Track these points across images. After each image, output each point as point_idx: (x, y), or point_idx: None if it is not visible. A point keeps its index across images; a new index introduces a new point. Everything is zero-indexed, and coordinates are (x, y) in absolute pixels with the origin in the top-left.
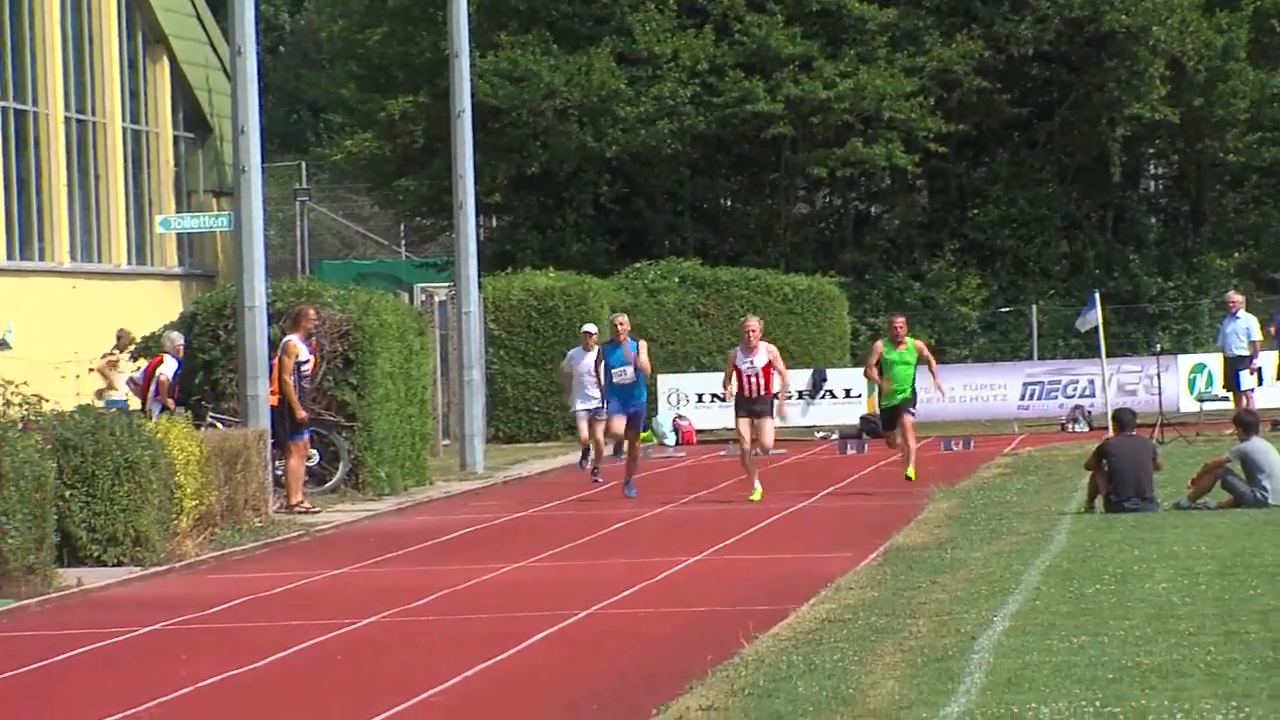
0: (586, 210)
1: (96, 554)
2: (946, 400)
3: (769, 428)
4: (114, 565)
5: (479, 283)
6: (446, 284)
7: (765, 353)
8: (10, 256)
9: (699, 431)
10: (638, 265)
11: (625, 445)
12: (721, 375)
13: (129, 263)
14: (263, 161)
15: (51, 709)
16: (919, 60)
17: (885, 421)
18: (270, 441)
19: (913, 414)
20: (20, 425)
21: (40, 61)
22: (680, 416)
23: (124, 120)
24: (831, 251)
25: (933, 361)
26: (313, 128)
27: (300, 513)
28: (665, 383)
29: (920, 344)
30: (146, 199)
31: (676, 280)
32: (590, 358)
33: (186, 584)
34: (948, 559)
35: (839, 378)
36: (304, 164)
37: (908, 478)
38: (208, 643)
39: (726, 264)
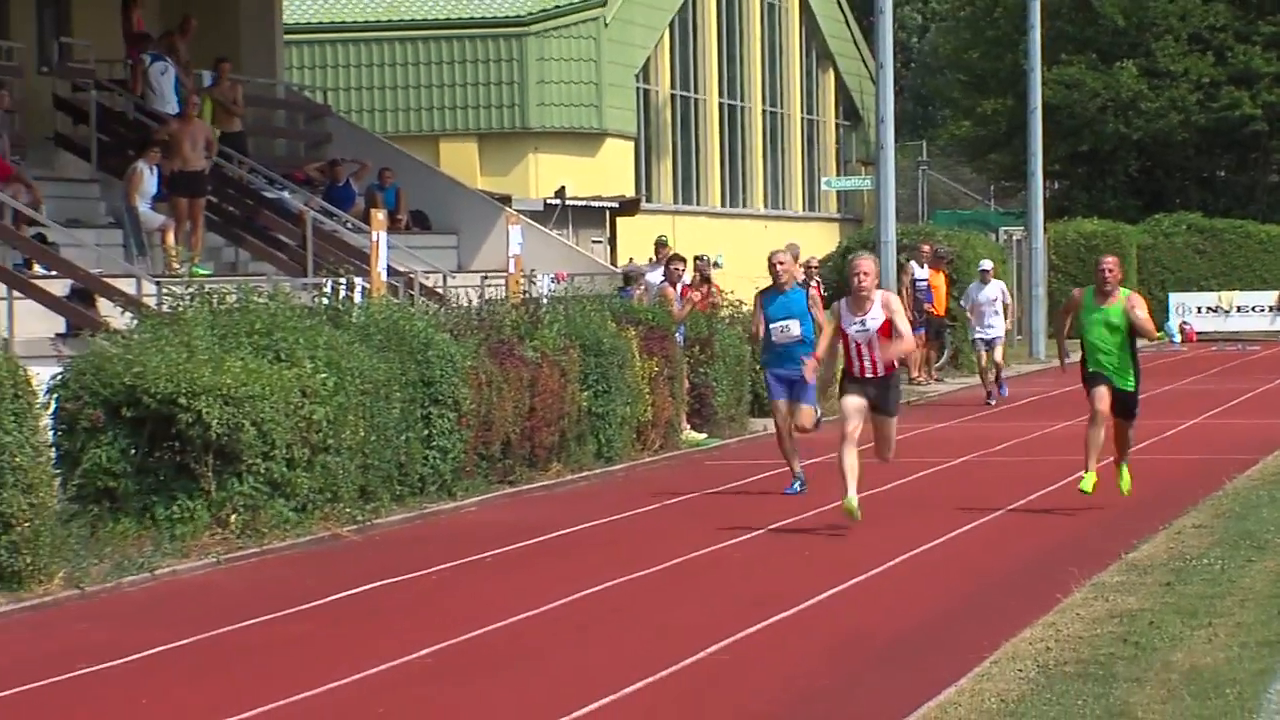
0: (1120, 177)
1: None
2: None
3: (892, 429)
4: None
5: (1044, 227)
6: (1020, 227)
7: (882, 308)
8: (723, 204)
9: (1199, 333)
10: (1156, 216)
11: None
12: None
13: (804, 210)
14: (895, 141)
15: (747, 515)
16: None
17: (1090, 378)
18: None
19: (1135, 415)
20: (727, 320)
21: (747, 71)
22: (1185, 322)
23: (802, 112)
24: None
25: (1147, 325)
26: (931, 118)
27: (918, 384)
28: (1175, 299)
29: (1136, 299)
30: (816, 166)
31: (1184, 227)
32: (987, 290)
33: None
34: None
35: None
36: (924, 142)
37: (1121, 490)
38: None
39: (1219, 216)
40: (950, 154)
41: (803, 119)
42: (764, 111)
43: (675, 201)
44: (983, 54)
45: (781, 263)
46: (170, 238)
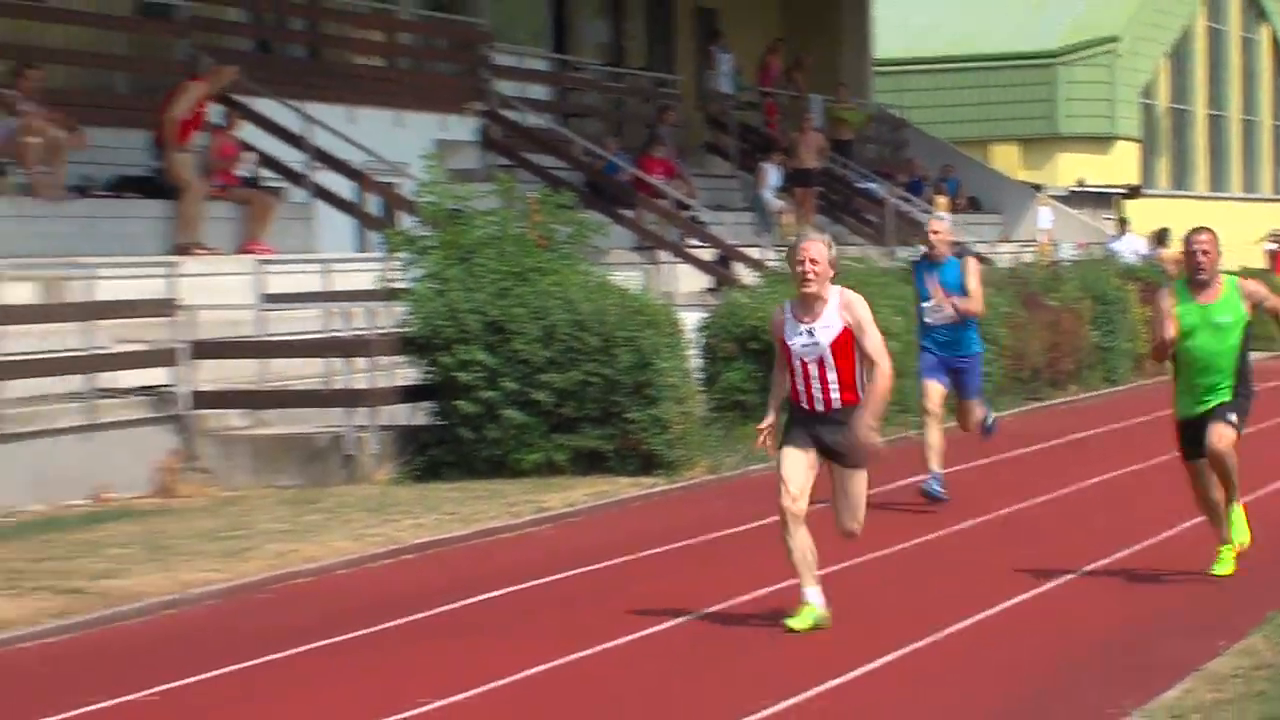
0: None
1: None
2: None
3: (858, 486)
4: None
5: None
6: None
7: (840, 313)
8: (1208, 190)
9: None
10: None
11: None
12: None
13: (1274, 192)
14: None
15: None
16: None
17: (1187, 440)
18: None
19: (1234, 425)
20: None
21: (1228, 89)
22: None
23: (1272, 119)
24: None
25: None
26: None
27: None
28: None
29: (1254, 287)
30: None
31: None
32: None
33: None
34: None
35: None
36: None
37: (1214, 572)
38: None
39: None
40: None
41: (1273, 125)
42: (1241, 119)
43: (1170, 188)
44: None
45: (936, 231)
46: (788, 218)
